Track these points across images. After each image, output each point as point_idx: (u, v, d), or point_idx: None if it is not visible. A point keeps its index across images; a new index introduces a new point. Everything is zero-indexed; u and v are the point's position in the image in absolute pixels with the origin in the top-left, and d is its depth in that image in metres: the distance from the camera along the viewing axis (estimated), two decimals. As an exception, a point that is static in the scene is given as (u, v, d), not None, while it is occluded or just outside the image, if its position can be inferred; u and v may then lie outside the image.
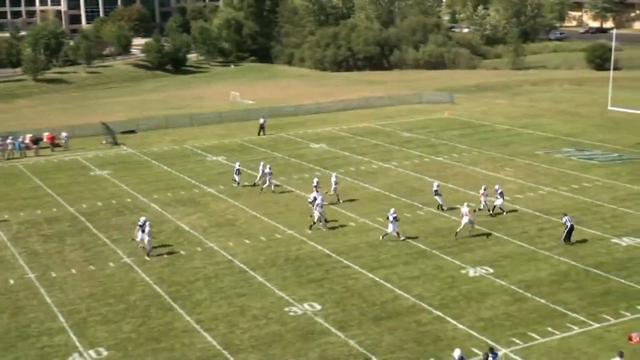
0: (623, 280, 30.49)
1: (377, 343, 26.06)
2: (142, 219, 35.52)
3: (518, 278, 31.06)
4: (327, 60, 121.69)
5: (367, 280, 31.46)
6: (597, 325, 26.76)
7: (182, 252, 35.56)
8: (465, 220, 35.92)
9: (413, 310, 28.45)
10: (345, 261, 33.61)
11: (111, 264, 34.27)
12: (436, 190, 40.41)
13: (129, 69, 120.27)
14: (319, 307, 28.95)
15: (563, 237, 34.51)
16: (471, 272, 31.87)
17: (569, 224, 34.38)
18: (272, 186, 45.14)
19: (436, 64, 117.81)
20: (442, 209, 40.10)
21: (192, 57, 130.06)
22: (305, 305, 29.11)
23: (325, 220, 37.77)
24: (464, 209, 36.22)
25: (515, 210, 39.85)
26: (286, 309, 28.85)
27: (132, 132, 66.68)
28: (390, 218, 35.30)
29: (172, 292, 30.90)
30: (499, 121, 66.54)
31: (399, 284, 30.93)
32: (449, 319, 27.61)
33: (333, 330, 27.08)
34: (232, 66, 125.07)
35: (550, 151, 54.02)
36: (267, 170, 45.62)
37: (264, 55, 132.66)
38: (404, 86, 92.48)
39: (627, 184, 44.76)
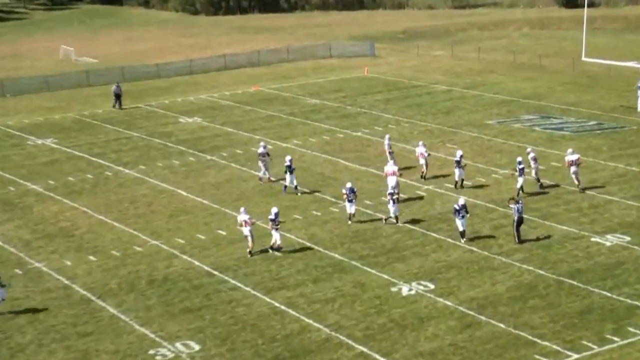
0: (608, 293, 31.40)
1: (279, 394, 25.97)
2: (275, 210, 35.71)
3: (468, 295, 31.57)
4: (199, 0, 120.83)
5: (263, 306, 31.37)
6: (576, 355, 27.42)
7: (-5, 277, 34.59)
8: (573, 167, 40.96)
9: (328, 345, 28.52)
10: (232, 281, 33.43)
11: None
12: (458, 162, 41.80)
13: None
14: (197, 347, 28.63)
15: (515, 237, 35.36)
16: (405, 290, 32.22)
17: (516, 216, 35.18)
18: (267, 174, 44.68)
19: (350, 2, 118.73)
20: (461, 187, 42.01)
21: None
22: (179, 345, 28.75)
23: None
24: (570, 155, 41.22)
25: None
26: (151, 352, 28.43)
27: None
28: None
29: (-20, 336, 30.03)
30: (436, 80, 67.55)
31: (307, 310, 30.97)
32: (376, 355, 27.78)
33: (217, 379, 26.87)
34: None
35: (505, 120, 55.20)
36: (260, 150, 44.96)
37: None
38: (307, 34, 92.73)
39: (610, 161, 46.20)
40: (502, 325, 29.22)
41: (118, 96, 62.86)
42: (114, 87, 63.46)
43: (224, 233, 38.23)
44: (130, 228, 39.30)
